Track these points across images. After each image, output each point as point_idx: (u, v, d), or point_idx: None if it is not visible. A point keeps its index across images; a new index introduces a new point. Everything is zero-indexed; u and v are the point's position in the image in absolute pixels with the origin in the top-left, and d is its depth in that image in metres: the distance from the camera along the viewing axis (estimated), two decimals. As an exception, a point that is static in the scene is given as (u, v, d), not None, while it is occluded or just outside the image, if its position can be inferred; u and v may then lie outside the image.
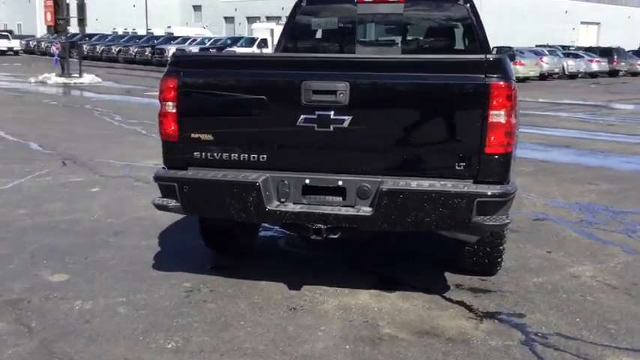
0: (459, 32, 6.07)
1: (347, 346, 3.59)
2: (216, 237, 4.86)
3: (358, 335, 3.74)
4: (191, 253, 5.04)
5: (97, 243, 5.26)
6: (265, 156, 3.98)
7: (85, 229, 5.66)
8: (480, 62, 3.76)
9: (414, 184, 3.79)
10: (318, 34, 6.34)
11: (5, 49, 47.03)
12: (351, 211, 3.86)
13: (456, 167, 3.80)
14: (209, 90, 4.10)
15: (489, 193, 3.74)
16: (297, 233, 4.66)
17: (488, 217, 3.76)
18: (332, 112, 3.80)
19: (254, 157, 3.98)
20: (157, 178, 4.11)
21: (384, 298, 4.28)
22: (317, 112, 3.81)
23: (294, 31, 6.35)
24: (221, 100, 4.11)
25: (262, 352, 3.51)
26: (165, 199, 4.08)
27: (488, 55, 3.79)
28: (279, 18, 45.08)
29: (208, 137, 4.03)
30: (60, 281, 4.46)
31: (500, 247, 4.49)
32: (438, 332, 3.81)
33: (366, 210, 3.83)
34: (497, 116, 3.73)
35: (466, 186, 3.76)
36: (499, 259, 4.57)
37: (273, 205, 3.91)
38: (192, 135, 4.03)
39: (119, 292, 4.29)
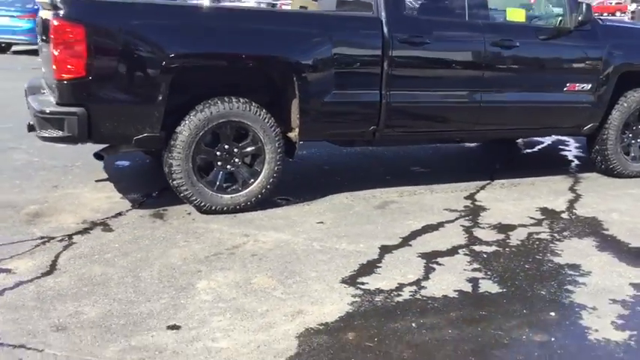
0: None
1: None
2: None
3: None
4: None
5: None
6: None
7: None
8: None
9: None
10: None
11: None
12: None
13: (54, 87, 4.52)
14: None
15: (40, 110, 4.45)
16: None
17: (47, 130, 4.45)
18: None
19: None
20: None
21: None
22: None
23: None
24: None
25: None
26: None
27: None
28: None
29: None
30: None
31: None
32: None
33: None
34: (52, 48, 4.20)
35: (39, 103, 4.60)
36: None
37: None
38: None
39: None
